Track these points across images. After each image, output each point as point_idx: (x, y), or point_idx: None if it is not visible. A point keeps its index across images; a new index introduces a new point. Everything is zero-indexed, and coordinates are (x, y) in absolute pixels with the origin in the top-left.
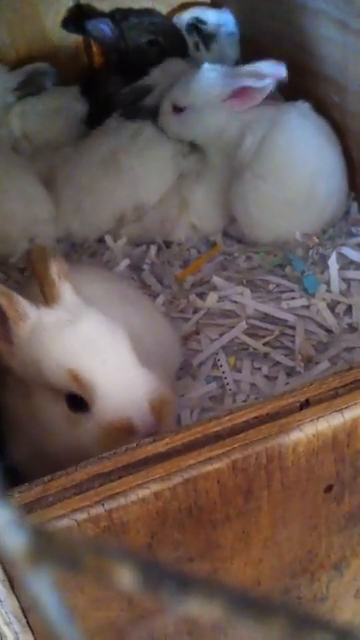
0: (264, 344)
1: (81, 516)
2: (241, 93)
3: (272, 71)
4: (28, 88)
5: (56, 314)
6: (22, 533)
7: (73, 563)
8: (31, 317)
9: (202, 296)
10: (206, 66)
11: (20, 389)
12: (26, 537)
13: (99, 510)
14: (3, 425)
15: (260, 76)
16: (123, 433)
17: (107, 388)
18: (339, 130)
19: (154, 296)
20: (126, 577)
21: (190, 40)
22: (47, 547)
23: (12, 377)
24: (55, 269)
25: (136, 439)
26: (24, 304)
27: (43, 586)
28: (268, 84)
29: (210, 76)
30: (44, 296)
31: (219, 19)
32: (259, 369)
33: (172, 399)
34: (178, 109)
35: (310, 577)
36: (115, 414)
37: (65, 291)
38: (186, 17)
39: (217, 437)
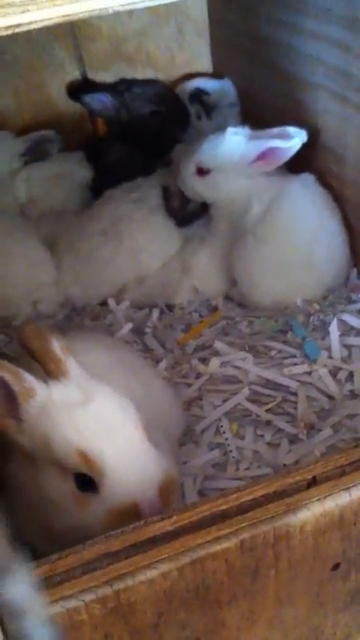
0: (266, 410)
1: (89, 597)
2: (267, 155)
3: (298, 132)
4: (34, 154)
5: (66, 390)
6: None
7: None
8: (39, 393)
9: (204, 361)
10: (231, 129)
11: (27, 464)
12: None
13: (107, 591)
14: (7, 498)
15: (287, 136)
16: (130, 516)
17: (116, 470)
18: (337, 199)
19: (157, 360)
20: None
21: (192, 110)
22: None
23: (19, 451)
24: (57, 345)
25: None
26: (32, 380)
27: None
28: (295, 144)
29: (236, 139)
30: (49, 373)
31: (221, 89)
32: (262, 436)
33: (178, 478)
34: (203, 171)
35: None
36: (123, 498)
37: (72, 365)
38: (188, 87)
39: (224, 516)
